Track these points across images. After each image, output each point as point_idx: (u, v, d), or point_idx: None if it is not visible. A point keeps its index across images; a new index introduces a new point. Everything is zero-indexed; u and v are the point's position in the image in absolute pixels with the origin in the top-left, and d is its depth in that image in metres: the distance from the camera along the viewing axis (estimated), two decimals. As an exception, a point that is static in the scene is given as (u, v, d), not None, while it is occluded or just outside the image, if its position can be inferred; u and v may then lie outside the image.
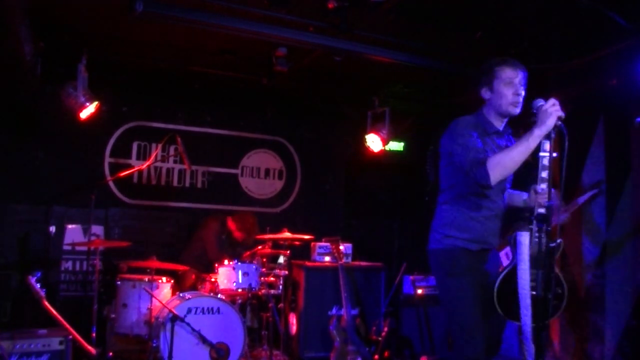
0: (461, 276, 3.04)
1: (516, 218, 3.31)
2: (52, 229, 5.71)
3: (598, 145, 4.89)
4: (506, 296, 2.97)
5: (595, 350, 4.75)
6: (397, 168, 7.48)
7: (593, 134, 4.93)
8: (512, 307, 2.91)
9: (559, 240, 3.05)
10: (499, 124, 3.13)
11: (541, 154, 2.83)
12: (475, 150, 2.94)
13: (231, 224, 5.70)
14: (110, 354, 4.87)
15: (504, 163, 2.83)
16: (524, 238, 2.84)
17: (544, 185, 2.76)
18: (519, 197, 3.25)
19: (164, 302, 4.60)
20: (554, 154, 2.77)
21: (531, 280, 2.85)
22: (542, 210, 2.77)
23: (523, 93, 3.01)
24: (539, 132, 2.70)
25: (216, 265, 5.37)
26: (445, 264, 3.11)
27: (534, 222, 2.83)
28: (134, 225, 6.13)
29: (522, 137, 2.81)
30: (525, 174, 3.13)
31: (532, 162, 3.07)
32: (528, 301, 2.79)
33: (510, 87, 2.99)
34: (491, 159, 2.86)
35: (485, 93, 3.10)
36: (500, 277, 3.00)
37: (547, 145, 2.77)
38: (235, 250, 5.73)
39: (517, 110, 3.02)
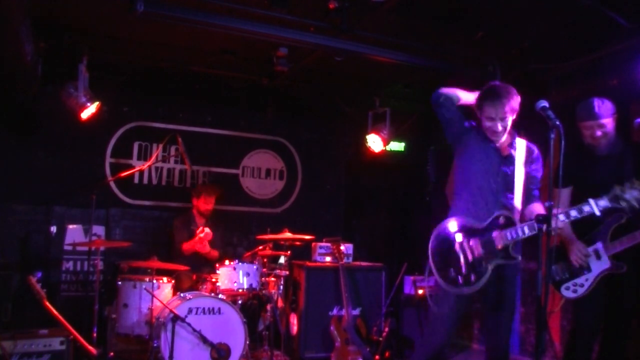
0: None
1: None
2: (53, 229, 5.72)
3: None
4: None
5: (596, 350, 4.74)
6: (398, 168, 7.48)
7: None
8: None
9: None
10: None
11: None
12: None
13: (195, 202, 5.73)
14: (111, 354, 4.87)
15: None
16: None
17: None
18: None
19: (164, 302, 4.60)
20: None
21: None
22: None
23: (503, 126, 3.21)
24: None
25: (187, 254, 5.42)
26: None
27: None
28: (134, 225, 6.15)
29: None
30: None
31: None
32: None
33: (490, 122, 3.23)
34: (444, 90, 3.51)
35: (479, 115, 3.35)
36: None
37: None
38: (205, 217, 5.71)
39: (498, 141, 3.28)
